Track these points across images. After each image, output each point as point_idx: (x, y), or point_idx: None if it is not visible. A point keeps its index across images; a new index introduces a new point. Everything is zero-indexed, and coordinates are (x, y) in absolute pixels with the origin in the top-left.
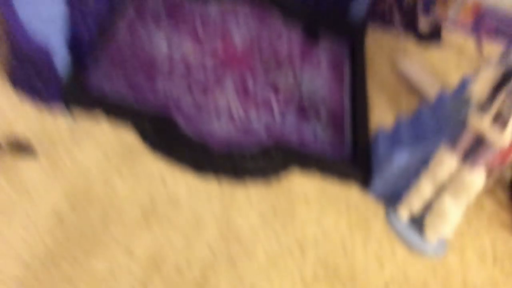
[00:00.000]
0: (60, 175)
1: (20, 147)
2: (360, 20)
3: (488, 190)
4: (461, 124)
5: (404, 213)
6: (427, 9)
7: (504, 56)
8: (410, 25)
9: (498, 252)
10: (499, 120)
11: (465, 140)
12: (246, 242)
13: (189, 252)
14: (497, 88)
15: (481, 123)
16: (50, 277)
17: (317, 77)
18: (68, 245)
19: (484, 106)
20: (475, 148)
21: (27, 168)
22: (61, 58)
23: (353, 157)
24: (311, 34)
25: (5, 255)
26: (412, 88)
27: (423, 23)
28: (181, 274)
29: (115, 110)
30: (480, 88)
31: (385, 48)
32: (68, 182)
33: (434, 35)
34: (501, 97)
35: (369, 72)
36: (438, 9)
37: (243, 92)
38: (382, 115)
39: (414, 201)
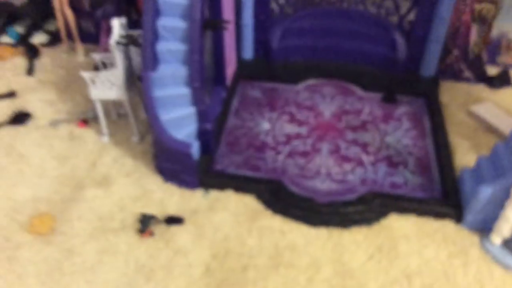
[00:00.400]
0: (204, 235)
1: (172, 218)
2: (431, 77)
3: None
4: None
5: (496, 239)
6: (493, 58)
7: None
8: (479, 74)
9: None
10: None
11: None
12: (358, 277)
13: (312, 287)
14: None
15: None
16: None
17: (400, 132)
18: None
19: None
20: None
21: (179, 233)
22: (194, 149)
23: (443, 196)
24: (390, 99)
25: None
26: (488, 128)
27: (492, 71)
28: None
29: (237, 182)
30: None
31: (458, 97)
32: (210, 241)
33: (503, 80)
34: None
35: (447, 120)
36: (504, 57)
37: (336, 152)
38: (464, 155)
39: (503, 227)
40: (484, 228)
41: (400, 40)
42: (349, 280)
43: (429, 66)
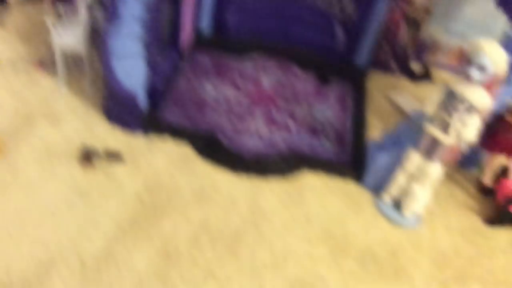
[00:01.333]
0: (139, 170)
1: (113, 154)
2: (362, 66)
3: (444, 177)
4: (422, 131)
5: (386, 197)
6: (420, 56)
7: (446, 85)
8: (403, 67)
9: (462, 227)
10: (445, 127)
11: (425, 142)
12: (267, 215)
13: (227, 219)
14: (442, 106)
15: (433, 129)
16: (133, 231)
17: (326, 107)
18: (145, 213)
19: (434, 118)
20: (432, 148)
21: (117, 166)
22: (142, 100)
23: (351, 161)
24: (323, 79)
25: (100, 217)
26: (401, 113)
27: (415, 67)
28: (221, 232)
29: (177, 132)
30: (431, 107)
31: (384, 87)
32: (144, 175)
33: (424, 75)
34: (443, 111)
35: (369, 105)
36: (429, 56)
37: (269, 119)
38: (375, 132)
39: (393, 188)
40: (379, 189)
41: (339, 31)
42: (259, 216)
43: (362, 56)
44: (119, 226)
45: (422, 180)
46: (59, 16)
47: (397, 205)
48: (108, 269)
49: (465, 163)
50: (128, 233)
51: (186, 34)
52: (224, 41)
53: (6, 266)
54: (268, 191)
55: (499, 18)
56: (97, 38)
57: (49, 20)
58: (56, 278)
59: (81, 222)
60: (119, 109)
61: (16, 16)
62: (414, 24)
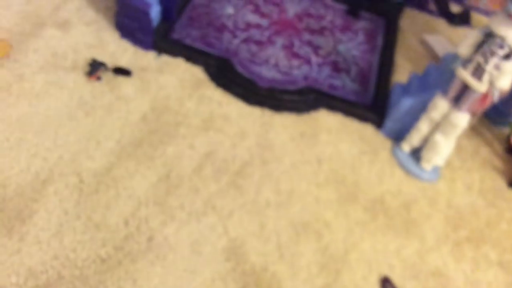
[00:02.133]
0: (147, 90)
1: (121, 70)
2: (398, 3)
3: (471, 132)
4: (452, 76)
5: (406, 146)
6: None
7: (484, 27)
8: (442, 9)
9: (484, 187)
10: (478, 72)
11: (454, 88)
12: (276, 151)
13: (233, 152)
14: (478, 48)
15: (465, 74)
16: (136, 153)
17: (353, 43)
18: (149, 136)
19: (468, 62)
20: (462, 95)
21: (124, 83)
22: (155, 14)
23: (372, 103)
24: (354, 12)
25: (103, 135)
26: (434, 56)
27: (455, 9)
28: (226, 164)
29: (190, 52)
30: (465, 48)
31: (417, 25)
32: (152, 96)
33: (463, 19)
34: (479, 55)
35: (400, 43)
36: None
37: (289, 48)
38: (403, 75)
39: (414, 137)
40: (399, 138)
41: None
42: (267, 152)
43: None
44: (122, 146)
45: (447, 131)
46: None
47: (417, 155)
48: (107, 190)
49: (496, 120)
50: (130, 154)
51: None
52: None
53: (2, 179)
54: (281, 127)
55: None
56: None
57: None
58: (52, 194)
59: (83, 137)
60: (131, 23)
61: None
62: None
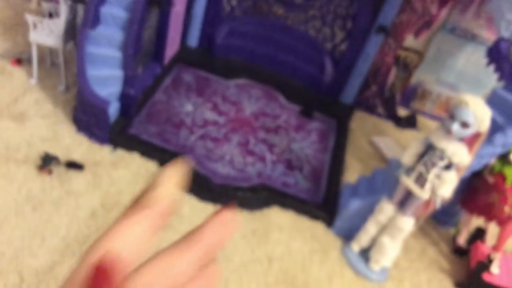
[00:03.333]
0: (99, 185)
1: (73, 164)
2: (348, 104)
3: (418, 232)
4: (397, 181)
5: (355, 246)
6: (407, 101)
7: (425, 138)
8: (390, 112)
9: (431, 287)
10: (421, 180)
11: (399, 193)
12: (226, 249)
13: None
14: (420, 158)
15: (408, 181)
16: (81, 250)
17: (306, 143)
18: (96, 232)
19: (411, 170)
20: (406, 200)
21: (76, 177)
22: (113, 110)
23: (323, 202)
24: (307, 113)
25: (49, 231)
26: (382, 157)
27: (402, 112)
28: None
29: (146, 148)
30: (408, 158)
31: (366, 127)
32: (104, 191)
33: (409, 122)
34: (420, 164)
35: (350, 144)
36: (417, 103)
37: (245, 146)
38: (352, 174)
39: (362, 238)
40: (348, 236)
41: (328, 65)
42: (218, 251)
43: (348, 94)
44: (67, 243)
45: (393, 233)
46: (41, 12)
47: (365, 255)
48: None
49: (442, 220)
50: (75, 252)
51: (171, 47)
52: (210, 60)
53: None
54: None
55: (492, 74)
56: (76, 37)
57: (30, 17)
58: None
59: (28, 233)
60: (88, 118)
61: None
62: (405, 68)
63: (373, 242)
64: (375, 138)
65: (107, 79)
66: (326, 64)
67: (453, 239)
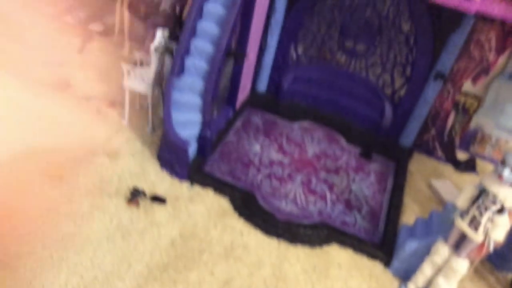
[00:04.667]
0: (178, 218)
1: (157, 198)
2: (407, 147)
3: (475, 275)
4: (453, 224)
5: (411, 287)
6: (467, 145)
7: (479, 184)
8: (449, 156)
9: None
10: (474, 224)
11: (454, 236)
12: (289, 283)
13: (250, 280)
14: (474, 202)
15: (463, 224)
16: (162, 277)
17: (365, 183)
18: (175, 260)
19: (465, 213)
20: (461, 243)
21: (159, 210)
22: (192, 150)
23: (381, 242)
24: (366, 155)
25: (135, 258)
26: (440, 200)
27: (461, 156)
28: None
29: (218, 184)
30: (463, 201)
31: (425, 170)
32: (182, 223)
33: (469, 166)
34: (474, 207)
35: (408, 186)
36: (476, 147)
37: (307, 185)
38: (410, 216)
39: (419, 279)
40: (405, 277)
41: (388, 110)
42: (281, 283)
43: (408, 137)
44: (150, 269)
45: (448, 274)
46: (133, 60)
47: None
48: None
49: (499, 265)
50: (156, 278)
51: (243, 93)
52: (277, 104)
53: None
54: (295, 259)
55: None
56: (163, 84)
57: (125, 66)
58: None
59: (117, 259)
60: (170, 156)
61: (95, 48)
62: (464, 113)
63: (429, 283)
64: (434, 181)
65: (187, 123)
66: (385, 108)
67: (510, 284)
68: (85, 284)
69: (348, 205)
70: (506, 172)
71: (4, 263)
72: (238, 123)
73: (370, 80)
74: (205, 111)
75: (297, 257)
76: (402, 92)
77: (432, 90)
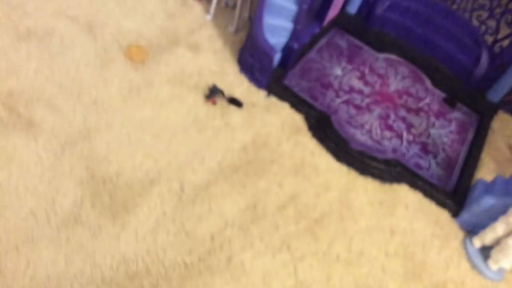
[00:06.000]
0: (252, 124)
1: (234, 100)
2: (494, 104)
3: None
4: None
5: (477, 242)
6: None
7: None
8: None
9: None
10: None
11: None
12: (354, 211)
13: (316, 201)
14: None
15: None
16: (232, 178)
17: (445, 131)
18: (246, 165)
19: None
20: None
21: (234, 113)
22: (276, 61)
23: (453, 192)
24: (451, 102)
25: (208, 154)
26: None
27: None
28: (307, 210)
29: (296, 100)
30: None
31: (509, 131)
32: (255, 130)
33: None
34: None
35: (488, 143)
36: None
37: (384, 119)
38: (486, 173)
39: (488, 236)
40: (472, 231)
41: (485, 59)
42: (346, 210)
43: (497, 92)
44: (221, 168)
45: None
46: None
47: (485, 253)
48: (202, 204)
49: None
50: (227, 177)
51: (334, 10)
52: (366, 30)
53: (118, 169)
54: (362, 190)
55: None
56: None
57: None
58: (156, 194)
59: (191, 151)
60: (253, 61)
61: None
62: None
63: (497, 242)
64: None
65: (277, 29)
66: (482, 57)
67: None
68: (159, 169)
69: (424, 148)
70: None
71: (84, 135)
72: (323, 42)
73: (472, 23)
74: (298, 20)
75: (365, 188)
76: (505, 43)
77: None
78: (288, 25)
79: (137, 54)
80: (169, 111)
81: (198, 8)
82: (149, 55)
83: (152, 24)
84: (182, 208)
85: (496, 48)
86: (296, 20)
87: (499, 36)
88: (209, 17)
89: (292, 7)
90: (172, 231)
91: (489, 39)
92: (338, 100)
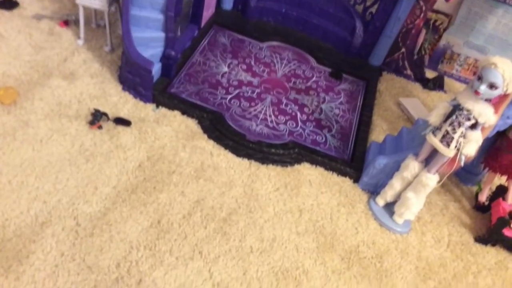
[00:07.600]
0: (144, 140)
1: (121, 120)
2: (377, 66)
3: (441, 189)
4: (423, 140)
5: (380, 201)
6: (435, 64)
7: (453, 98)
8: (418, 74)
9: (452, 240)
10: (447, 139)
11: (425, 151)
12: (261, 201)
13: (221, 200)
14: (447, 118)
15: (435, 140)
16: (131, 199)
17: (336, 103)
18: (144, 183)
19: (437, 129)
20: (431, 158)
21: (123, 132)
22: (155, 71)
23: (351, 159)
24: (336, 75)
25: (101, 181)
26: (408, 118)
27: (430, 75)
28: (214, 212)
29: (185, 106)
30: (436, 117)
31: (394, 89)
32: (149, 146)
33: (437, 84)
34: (447, 123)
35: (377, 105)
36: (444, 66)
37: (277, 105)
38: (379, 134)
39: (388, 193)
40: (374, 192)
41: (359, 28)
42: (253, 201)
43: (378, 56)
44: (118, 192)
45: (418, 189)
46: None
47: (390, 209)
48: (101, 234)
49: (465, 179)
50: (125, 200)
51: (208, 10)
52: (244, 23)
53: (3, 221)
54: (266, 178)
55: None
56: (120, 1)
57: None
58: (50, 236)
59: (82, 182)
60: (133, 77)
61: None
62: (434, 31)
63: (397, 197)
64: (403, 99)
65: (149, 41)
66: (356, 26)
67: (475, 196)
68: (49, 209)
69: (319, 124)
70: (482, 88)
71: None
72: (204, 43)
73: None
74: (168, 28)
75: (268, 176)
76: (374, 9)
77: (404, 7)
78: (161, 35)
79: (6, 97)
80: (51, 147)
81: (67, 35)
82: (20, 94)
83: (19, 61)
84: (80, 244)
85: (368, 16)
86: (166, 28)
87: (368, 4)
88: (80, 42)
89: (159, 17)
90: (74, 270)
91: (359, 8)
92: (229, 97)
